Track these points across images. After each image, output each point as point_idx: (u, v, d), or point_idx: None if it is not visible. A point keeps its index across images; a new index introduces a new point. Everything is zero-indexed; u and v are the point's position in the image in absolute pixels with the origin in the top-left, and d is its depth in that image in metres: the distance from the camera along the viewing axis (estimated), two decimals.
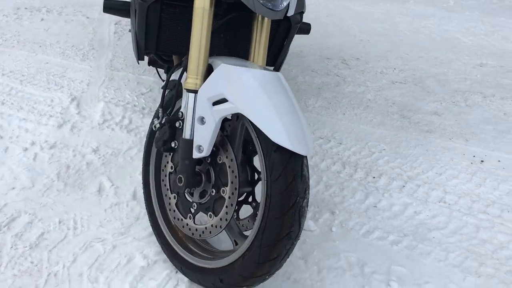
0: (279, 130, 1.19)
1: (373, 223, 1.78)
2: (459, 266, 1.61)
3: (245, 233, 1.44)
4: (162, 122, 1.43)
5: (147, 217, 1.76)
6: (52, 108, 2.49)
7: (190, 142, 1.34)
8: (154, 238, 1.65)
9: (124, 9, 1.67)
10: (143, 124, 2.40)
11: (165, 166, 1.53)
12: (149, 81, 2.88)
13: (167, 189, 1.52)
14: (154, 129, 1.47)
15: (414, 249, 1.67)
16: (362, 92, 2.85)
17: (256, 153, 1.42)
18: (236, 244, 1.40)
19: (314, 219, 1.77)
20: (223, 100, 1.26)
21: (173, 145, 1.42)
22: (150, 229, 1.69)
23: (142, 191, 1.93)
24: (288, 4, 1.33)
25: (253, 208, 1.43)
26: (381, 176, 2.05)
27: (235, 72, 1.26)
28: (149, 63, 2.10)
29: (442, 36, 3.91)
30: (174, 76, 1.48)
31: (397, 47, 3.60)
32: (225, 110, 1.26)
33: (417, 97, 2.80)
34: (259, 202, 1.41)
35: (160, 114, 1.46)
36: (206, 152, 1.31)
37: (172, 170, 1.50)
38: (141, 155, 2.17)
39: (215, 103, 1.28)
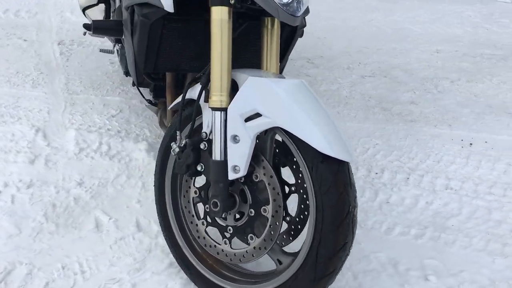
0: (324, 140, 1.16)
1: (391, 220, 1.80)
2: (484, 250, 1.66)
3: (285, 249, 1.38)
4: (182, 146, 1.35)
5: (160, 248, 1.67)
6: (16, 143, 2.28)
7: (223, 163, 1.27)
8: (174, 269, 1.56)
9: (116, 29, 1.56)
10: (124, 148, 2.26)
11: (186, 191, 1.44)
12: (116, 101, 2.72)
13: (192, 216, 1.44)
14: (173, 154, 1.38)
15: (438, 240, 1.71)
16: (337, 89, 2.89)
17: (282, 165, 1.38)
18: (280, 263, 1.35)
19: None
20: (256, 115, 1.22)
21: (199, 168, 1.34)
22: (168, 260, 1.59)
23: (145, 220, 1.82)
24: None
25: (288, 223, 1.38)
26: (384, 171, 2.08)
27: (266, 84, 1.22)
28: (134, 83, 1.98)
29: (392, 27, 4.08)
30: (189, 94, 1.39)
31: (355, 42, 3.70)
32: (260, 125, 1.22)
33: (390, 89, 2.89)
34: (293, 216, 1.37)
35: (178, 137, 1.37)
36: (243, 172, 1.25)
37: (197, 195, 1.42)
38: (132, 182, 2.04)
39: (247, 119, 1.23)
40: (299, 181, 1.34)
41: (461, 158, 2.18)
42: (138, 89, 2.04)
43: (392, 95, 2.81)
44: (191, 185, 1.43)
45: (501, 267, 1.59)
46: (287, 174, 1.34)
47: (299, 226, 1.36)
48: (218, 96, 1.27)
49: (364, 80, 3.01)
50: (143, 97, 2.04)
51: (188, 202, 1.44)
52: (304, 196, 1.32)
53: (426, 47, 3.58)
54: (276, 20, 1.38)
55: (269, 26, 1.38)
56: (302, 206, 1.34)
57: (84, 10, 2.46)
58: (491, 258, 1.63)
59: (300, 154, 1.21)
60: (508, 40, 3.80)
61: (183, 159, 1.34)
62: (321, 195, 1.18)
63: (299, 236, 1.36)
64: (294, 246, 1.37)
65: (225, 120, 1.27)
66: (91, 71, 3.13)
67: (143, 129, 2.44)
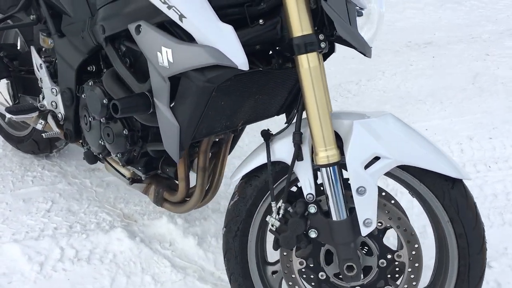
0: (448, 165, 1.18)
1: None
2: (505, 223, 1.88)
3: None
4: (282, 216, 1.20)
5: None
6: None
7: (349, 221, 1.18)
8: None
9: (144, 103, 1.27)
10: (96, 245, 1.86)
11: (287, 266, 1.28)
12: (36, 192, 2.21)
13: None
14: (273, 229, 1.21)
15: None
16: None
17: None
18: None
19: None
20: (374, 160, 1.16)
21: (313, 235, 1.21)
22: None
23: None
24: None
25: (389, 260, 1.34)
26: None
27: (377, 125, 1.18)
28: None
29: None
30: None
31: None
32: (382, 168, 1.17)
33: None
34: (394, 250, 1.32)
35: (274, 209, 1.21)
36: (375, 223, 1.17)
37: (303, 265, 1.27)
38: (136, 280, 1.70)
39: (366, 166, 1.16)
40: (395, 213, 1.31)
41: None
42: (117, 170, 1.70)
43: None
44: (292, 257, 1.27)
45: None
46: None
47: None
48: (324, 152, 1.16)
49: None
50: (124, 176, 1.71)
51: (292, 276, 1.28)
52: (404, 229, 1.28)
53: None
54: (320, 56, 1.30)
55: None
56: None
57: None
58: None
59: (425, 186, 1.20)
60: None
61: (291, 231, 1.20)
62: (460, 220, 1.19)
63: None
64: None
65: (340, 175, 1.17)
66: None
67: (99, 215, 2.05)
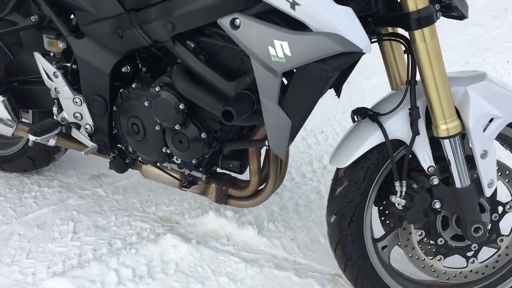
0: None
1: None
2: None
3: None
4: (407, 193, 1.21)
5: None
6: None
7: (473, 186, 1.22)
8: None
9: (249, 103, 1.15)
10: (150, 258, 1.71)
11: (407, 240, 1.30)
12: (47, 214, 1.96)
13: (423, 260, 1.31)
14: (399, 207, 1.22)
15: None
16: None
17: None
18: None
19: None
20: (489, 121, 1.20)
21: (437, 206, 1.23)
22: None
23: None
24: None
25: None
26: None
27: (488, 87, 1.22)
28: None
29: None
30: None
31: None
32: (497, 128, 1.23)
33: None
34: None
35: (398, 188, 1.21)
36: (496, 183, 1.23)
37: (422, 235, 1.30)
38: (210, 284, 1.62)
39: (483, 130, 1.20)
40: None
41: None
42: (169, 174, 1.55)
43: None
44: (411, 230, 1.29)
45: None
46: None
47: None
48: (444, 124, 1.17)
49: None
50: (179, 180, 1.57)
51: (413, 248, 1.31)
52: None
53: None
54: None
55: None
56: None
57: None
58: None
59: None
60: None
61: (417, 206, 1.22)
62: None
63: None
64: None
65: (461, 144, 1.19)
66: None
67: (133, 224, 1.89)
